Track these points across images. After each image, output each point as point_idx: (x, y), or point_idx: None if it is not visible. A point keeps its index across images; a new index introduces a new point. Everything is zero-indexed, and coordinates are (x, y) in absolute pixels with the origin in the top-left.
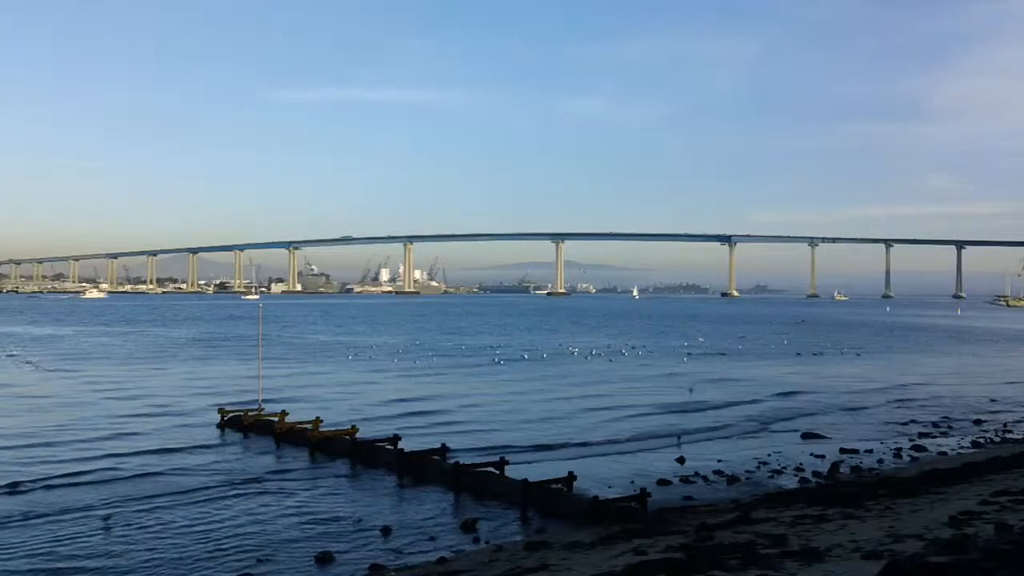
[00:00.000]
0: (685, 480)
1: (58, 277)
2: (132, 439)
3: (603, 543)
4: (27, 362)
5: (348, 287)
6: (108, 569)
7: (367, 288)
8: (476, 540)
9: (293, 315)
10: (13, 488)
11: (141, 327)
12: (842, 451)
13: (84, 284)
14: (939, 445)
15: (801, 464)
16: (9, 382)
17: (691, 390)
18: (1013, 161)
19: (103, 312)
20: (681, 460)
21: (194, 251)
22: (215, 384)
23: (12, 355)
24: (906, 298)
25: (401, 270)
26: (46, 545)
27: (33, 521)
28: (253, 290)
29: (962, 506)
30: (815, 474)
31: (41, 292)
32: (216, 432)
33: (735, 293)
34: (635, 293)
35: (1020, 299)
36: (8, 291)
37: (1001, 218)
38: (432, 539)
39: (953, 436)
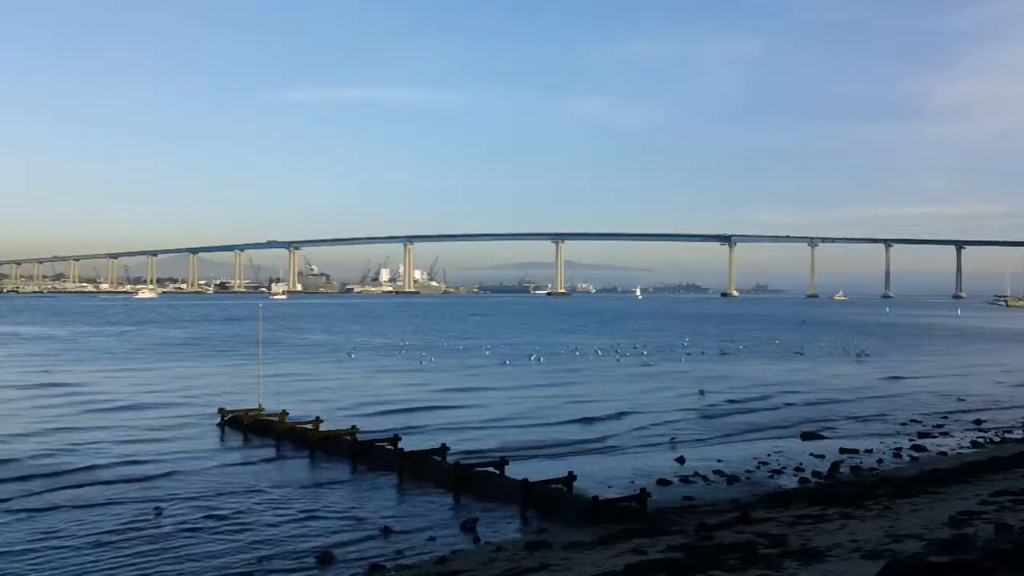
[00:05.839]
0: (685, 480)
1: (58, 277)
2: (130, 438)
3: (603, 543)
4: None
5: (348, 287)
6: (102, 571)
7: (367, 288)
8: (476, 540)
9: (322, 315)
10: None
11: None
12: (842, 451)
13: (139, 285)
14: (939, 445)
15: (801, 464)
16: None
17: (702, 392)
18: (1013, 161)
19: (171, 312)
20: (681, 460)
21: (194, 251)
22: (223, 383)
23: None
24: (906, 298)
25: (401, 270)
26: (27, 546)
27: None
28: (281, 290)
29: (962, 506)
30: (815, 474)
31: (99, 292)
32: (216, 432)
33: (735, 293)
34: (637, 293)
35: (1020, 299)
36: (9, 291)
37: (1001, 218)
38: (432, 539)
39: (953, 436)
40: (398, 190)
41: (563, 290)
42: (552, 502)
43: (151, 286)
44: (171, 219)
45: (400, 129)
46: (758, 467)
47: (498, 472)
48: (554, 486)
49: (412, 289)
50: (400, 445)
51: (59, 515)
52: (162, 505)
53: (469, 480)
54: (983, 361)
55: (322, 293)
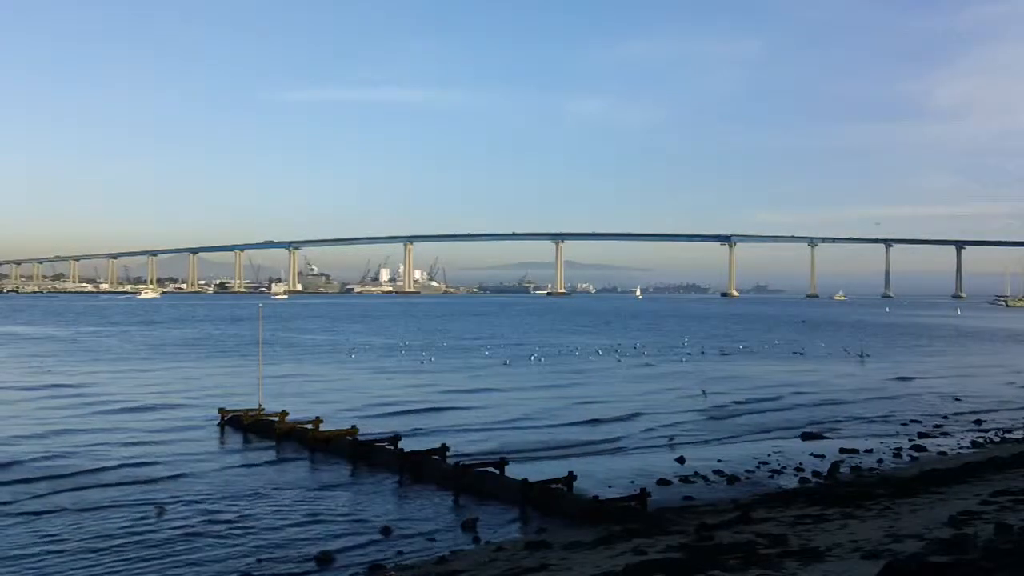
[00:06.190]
0: (685, 480)
1: (58, 277)
2: (131, 440)
3: (603, 543)
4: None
5: (348, 287)
6: (100, 572)
7: (367, 288)
8: (476, 540)
9: (322, 315)
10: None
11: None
12: (842, 451)
13: (140, 285)
14: (939, 445)
15: (801, 464)
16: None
17: (704, 392)
18: (1013, 161)
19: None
20: (681, 460)
21: (194, 251)
22: (224, 383)
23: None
24: (906, 298)
25: (401, 270)
26: (29, 549)
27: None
28: (283, 290)
29: (962, 506)
30: (815, 474)
31: (100, 292)
32: (216, 433)
33: (735, 293)
34: (638, 293)
35: (1020, 299)
36: (8, 291)
37: (1001, 218)
38: (432, 539)
39: (953, 436)
40: (398, 190)
41: (563, 290)
42: (552, 502)
43: (152, 286)
44: (171, 219)
45: (400, 129)
46: (758, 467)
47: (498, 472)
48: (554, 486)
49: (412, 289)
50: (400, 446)
51: (61, 518)
52: (164, 508)
53: (469, 480)
54: (985, 362)
55: (322, 293)
